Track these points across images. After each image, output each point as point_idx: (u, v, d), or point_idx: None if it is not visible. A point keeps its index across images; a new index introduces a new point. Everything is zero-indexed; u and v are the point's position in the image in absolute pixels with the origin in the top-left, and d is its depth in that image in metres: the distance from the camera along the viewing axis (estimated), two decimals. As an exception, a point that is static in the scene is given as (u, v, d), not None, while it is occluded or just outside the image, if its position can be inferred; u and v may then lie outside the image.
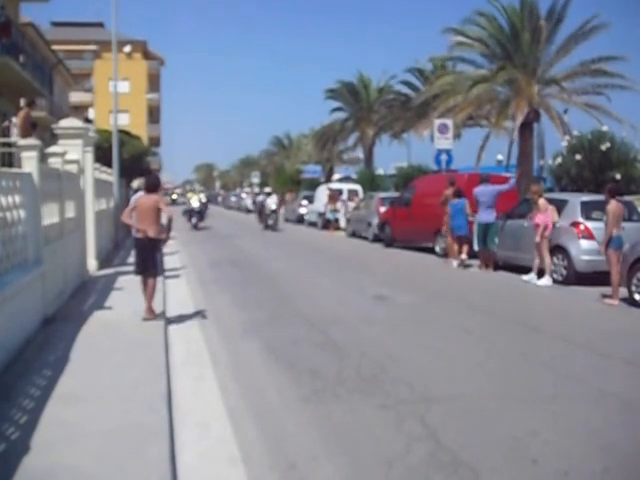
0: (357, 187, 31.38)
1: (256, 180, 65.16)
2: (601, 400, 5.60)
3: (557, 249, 13.01)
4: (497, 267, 14.78)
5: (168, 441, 4.36)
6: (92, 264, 12.93)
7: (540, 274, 13.01)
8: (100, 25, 64.26)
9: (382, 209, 22.45)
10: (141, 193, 9.41)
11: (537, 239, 12.90)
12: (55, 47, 39.80)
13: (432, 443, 4.56)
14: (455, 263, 15.70)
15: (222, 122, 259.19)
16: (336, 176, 45.88)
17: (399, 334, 8.22)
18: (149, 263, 8.28)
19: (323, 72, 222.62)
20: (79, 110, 52.66)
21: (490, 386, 5.98)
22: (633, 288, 10.47)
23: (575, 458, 4.36)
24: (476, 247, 15.08)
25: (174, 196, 53.31)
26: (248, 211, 49.22)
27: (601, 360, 7.05)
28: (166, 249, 18.51)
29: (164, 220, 8.48)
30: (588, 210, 12.83)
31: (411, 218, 19.30)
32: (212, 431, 4.88)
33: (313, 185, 41.66)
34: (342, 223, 28.09)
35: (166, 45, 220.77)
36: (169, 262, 15.52)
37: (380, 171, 43.82)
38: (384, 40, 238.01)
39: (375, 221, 22.78)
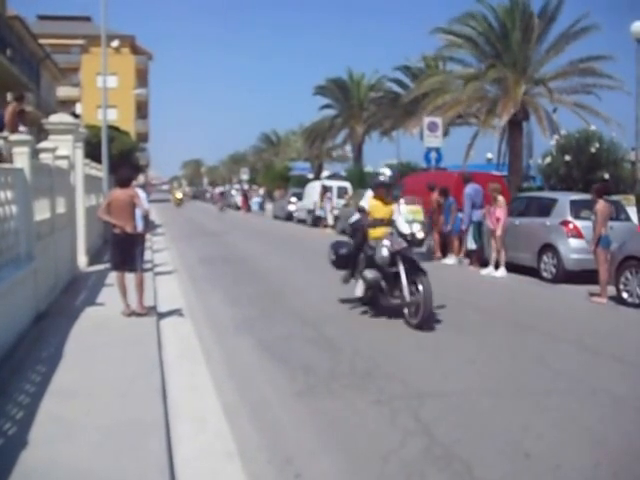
0: (347, 184, 31.41)
1: (245, 176, 65.04)
2: (592, 396, 5.67)
3: (546, 247, 13.12)
4: (484, 265, 14.84)
5: (165, 436, 4.39)
6: (82, 260, 12.88)
7: (496, 266, 13.87)
8: (87, 19, 63.72)
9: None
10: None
11: (499, 232, 13.68)
12: (42, 41, 39.45)
13: (426, 438, 4.61)
14: (448, 261, 15.82)
15: (210, 118, 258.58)
16: (325, 173, 45.92)
17: (390, 331, 8.26)
18: (127, 259, 8.09)
19: (312, 69, 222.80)
20: (66, 105, 52.30)
21: (482, 382, 6.04)
22: (621, 286, 10.57)
23: (567, 452, 4.43)
24: (473, 246, 15.17)
25: (179, 195, 54.00)
26: (237, 208, 49.15)
27: (591, 357, 7.13)
28: (156, 245, 18.55)
29: (139, 215, 8.37)
30: (577, 209, 12.93)
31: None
32: (208, 426, 4.91)
33: (302, 182, 41.64)
34: (329, 220, 28.05)
35: (155, 40, 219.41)
36: (156, 257, 15.48)
37: (369, 168, 43.83)
38: (374, 38, 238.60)
39: (365, 218, 22.71)
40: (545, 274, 13.12)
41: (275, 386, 5.90)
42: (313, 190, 30.96)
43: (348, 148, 46.70)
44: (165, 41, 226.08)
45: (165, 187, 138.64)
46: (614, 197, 13.73)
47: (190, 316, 8.98)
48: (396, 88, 38.20)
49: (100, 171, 19.30)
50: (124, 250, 8.08)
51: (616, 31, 19.14)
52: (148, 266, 12.40)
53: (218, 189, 55.52)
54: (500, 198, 13.99)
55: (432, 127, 21.59)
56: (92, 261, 13.43)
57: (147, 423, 4.54)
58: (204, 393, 5.70)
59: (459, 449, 4.43)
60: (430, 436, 4.64)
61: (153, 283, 11.16)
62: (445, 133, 24.27)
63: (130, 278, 8.18)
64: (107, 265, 12.63)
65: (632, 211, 14.85)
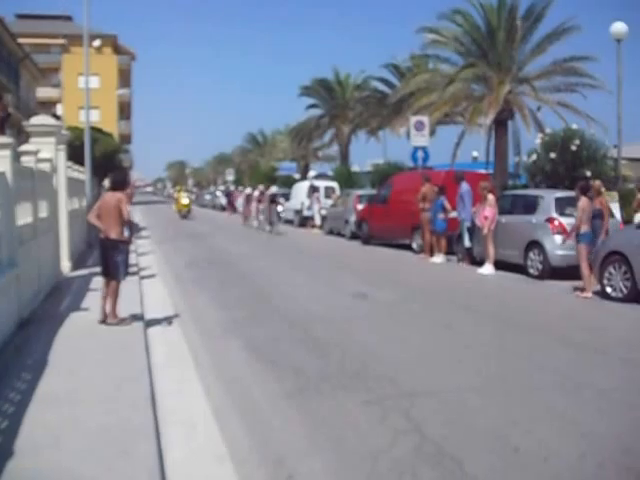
0: (334, 184, 31.39)
1: (230, 177, 64.82)
2: (578, 390, 5.72)
3: (532, 244, 13.20)
4: (473, 262, 14.93)
5: (155, 440, 4.35)
6: (66, 265, 12.74)
7: (484, 263, 14.01)
8: (68, 18, 63.20)
9: (359, 206, 22.48)
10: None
11: (485, 231, 13.87)
12: (21, 40, 38.99)
13: (416, 436, 4.62)
14: (436, 259, 15.85)
15: (195, 119, 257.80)
16: (312, 173, 45.87)
17: (380, 331, 8.27)
18: (109, 265, 7.86)
19: (299, 68, 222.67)
20: (46, 106, 51.88)
21: (471, 379, 6.07)
22: (605, 282, 10.66)
23: (554, 446, 4.48)
24: (468, 244, 15.22)
25: (185, 200, 36.98)
26: (223, 209, 49.00)
27: (576, 351, 7.18)
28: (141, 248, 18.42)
29: (126, 218, 7.97)
30: (562, 206, 13.03)
31: (388, 215, 19.37)
32: (198, 429, 4.88)
33: (289, 182, 41.57)
34: (317, 220, 28.02)
35: (138, 40, 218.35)
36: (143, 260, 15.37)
37: (356, 168, 43.87)
38: (361, 37, 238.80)
39: (352, 218, 22.83)
40: (531, 270, 13.20)
41: (264, 388, 5.88)
42: (300, 190, 30.89)
43: (335, 148, 46.62)
44: (148, 41, 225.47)
45: (149, 189, 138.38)
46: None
47: (178, 319, 8.90)
48: (383, 87, 38.24)
49: (83, 174, 19.12)
50: (106, 256, 7.90)
51: (598, 32, 19.35)
52: (134, 270, 12.33)
53: (254, 190, 32.38)
54: (490, 196, 14.18)
55: (419, 126, 21.60)
56: (76, 266, 13.29)
57: (136, 428, 4.50)
58: (193, 396, 5.67)
59: (449, 446, 4.45)
60: (420, 434, 4.65)
61: (139, 287, 11.08)
62: (432, 132, 24.30)
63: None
64: (92, 270, 12.57)
65: (615, 207, 14.98)
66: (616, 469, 4.12)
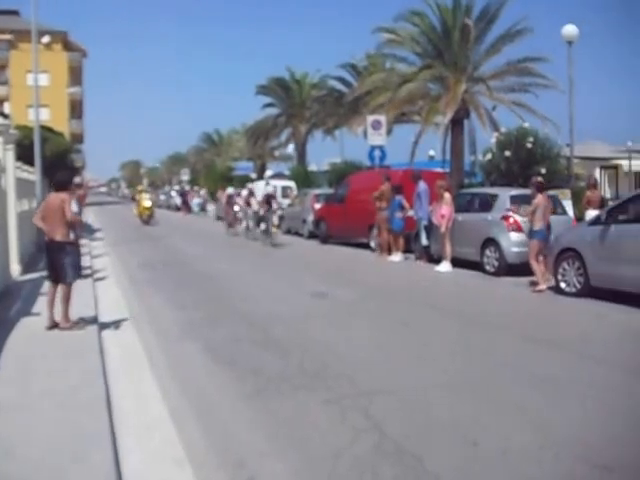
0: (291, 184, 31.26)
1: (186, 177, 64.09)
2: (534, 383, 5.81)
3: (489, 242, 13.38)
4: (431, 260, 15.05)
5: (111, 446, 4.25)
6: (15, 269, 12.36)
7: (442, 261, 14.16)
8: (15, 13, 61.33)
9: (317, 206, 22.46)
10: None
11: (442, 229, 14.03)
12: (-37, 35, 37.73)
13: (377, 434, 4.63)
14: (394, 258, 15.95)
15: (150, 118, 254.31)
16: (268, 172, 45.68)
17: (340, 330, 8.26)
18: (56, 268, 7.60)
19: (256, 67, 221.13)
20: (-7, 104, 50.40)
21: (429, 376, 6.11)
22: (559, 277, 10.87)
23: (512, 439, 4.54)
24: (425, 242, 15.33)
25: (147, 203, 32.11)
26: (177, 209, 48.40)
27: (532, 346, 7.29)
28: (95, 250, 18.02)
29: (69, 219, 7.62)
30: (517, 204, 13.21)
31: (346, 214, 19.42)
32: (155, 433, 4.79)
33: (245, 182, 41.27)
34: (275, 220, 27.81)
35: (89, 37, 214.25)
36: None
37: (313, 167, 43.82)
38: (320, 36, 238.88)
39: (310, 218, 22.79)
40: (488, 267, 13.38)
41: (223, 390, 5.81)
42: (257, 190, 30.64)
43: (291, 147, 46.47)
44: (101, 37, 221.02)
45: (103, 189, 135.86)
46: (551, 192, 14.06)
47: (133, 322, 8.72)
48: (340, 86, 38.30)
49: (33, 174, 18.58)
50: (52, 259, 7.63)
51: (552, 33, 19.81)
52: (87, 272, 12.05)
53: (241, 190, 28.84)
54: (447, 195, 14.34)
55: (376, 125, 21.70)
56: (26, 269, 12.92)
57: (92, 434, 4.39)
58: (150, 400, 5.56)
59: (409, 443, 4.47)
60: (380, 432, 4.67)
61: (93, 289, 10.82)
62: (389, 131, 24.44)
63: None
64: (42, 273, 12.23)
65: (568, 205, 15.31)
66: (573, 460, 4.19)
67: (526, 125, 19.15)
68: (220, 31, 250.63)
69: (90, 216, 32.27)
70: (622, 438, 4.60)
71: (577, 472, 4.02)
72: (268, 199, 21.11)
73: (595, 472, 4.01)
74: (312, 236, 22.42)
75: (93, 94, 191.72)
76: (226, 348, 7.27)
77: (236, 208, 25.97)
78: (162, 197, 62.16)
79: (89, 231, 24.67)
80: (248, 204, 24.18)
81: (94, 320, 8.21)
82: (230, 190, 30.00)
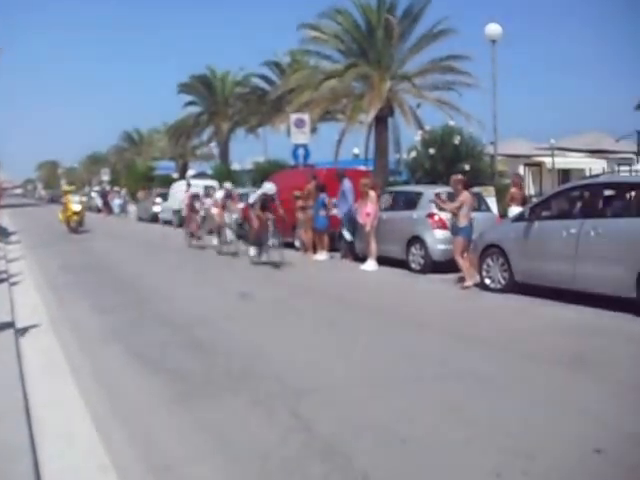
0: (214, 183, 30.80)
1: (106, 177, 62.10)
2: (459, 378, 5.93)
3: (414, 239, 13.56)
4: (357, 259, 15.11)
5: (32, 456, 4.08)
6: None
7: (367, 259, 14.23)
8: None
9: (240, 205, 22.15)
10: None
11: (367, 228, 14.08)
12: None
13: (305, 434, 4.64)
14: (319, 257, 15.97)
15: (67, 117, 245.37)
16: (190, 172, 44.90)
17: (265, 330, 8.21)
18: None
19: (178, 66, 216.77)
20: None
21: (357, 374, 6.14)
22: (484, 274, 11.09)
23: (440, 433, 4.63)
24: (349, 238, 15.40)
25: (76, 207, 26.17)
26: (98, 210, 46.92)
27: (457, 341, 7.46)
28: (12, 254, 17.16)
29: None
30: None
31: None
32: (78, 441, 4.62)
33: (167, 182, 40.43)
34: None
35: (2, 33, 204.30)
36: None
37: (236, 166, 43.40)
38: (241, 33, 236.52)
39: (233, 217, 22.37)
40: (414, 265, 13.57)
41: (148, 394, 5.68)
42: (179, 190, 30.03)
43: (214, 145, 45.86)
44: (16, 34, 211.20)
45: (18, 191, 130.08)
46: (475, 189, 14.39)
47: (52, 327, 8.35)
48: (263, 84, 38.12)
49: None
50: None
51: (477, 32, 20.37)
52: (3, 276, 11.46)
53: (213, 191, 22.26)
54: (371, 193, 14.41)
55: (299, 123, 21.68)
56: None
57: (10, 445, 4.19)
58: (72, 406, 5.36)
59: (338, 441, 4.49)
60: (309, 431, 4.67)
61: (9, 294, 10.29)
62: (313, 129, 24.48)
63: None
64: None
65: (492, 202, 15.68)
66: (497, 451, 4.30)
67: (452, 123, 19.47)
68: (142, 29, 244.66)
69: (5, 219, 30.78)
70: (544, 427, 4.75)
71: (502, 462, 4.12)
72: (264, 203, 15.44)
73: (519, 461, 4.12)
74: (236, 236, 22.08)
75: (7, 93, 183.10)
76: (150, 352, 7.08)
77: (202, 213, 20.13)
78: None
79: (4, 234, 23.49)
80: (224, 208, 18.48)
81: (10, 325, 7.78)
82: (195, 190, 22.53)
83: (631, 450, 4.37)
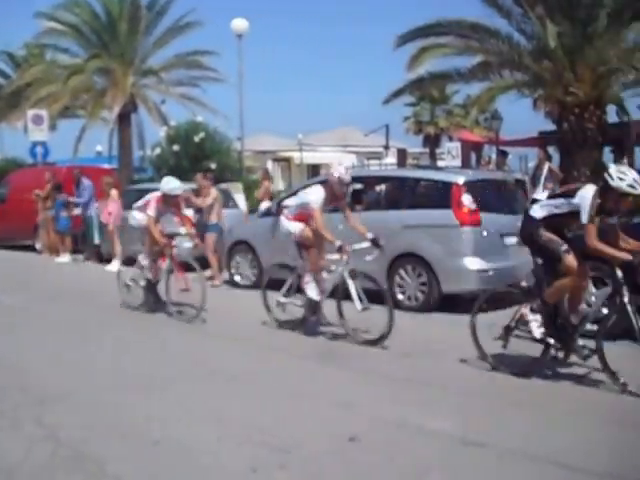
0: None
1: None
2: (211, 376, 6.01)
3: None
4: (102, 260, 14.54)
5: None
6: None
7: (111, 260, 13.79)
8: None
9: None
10: None
11: (110, 227, 13.73)
12: None
13: (52, 443, 4.48)
14: (62, 259, 15.16)
15: None
16: None
17: (7, 337, 7.71)
18: None
19: None
20: None
21: (104, 379, 6.00)
22: (233, 270, 11.21)
23: (192, 433, 4.64)
24: (97, 240, 14.78)
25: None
26: None
27: (210, 339, 7.58)
28: None
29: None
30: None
31: (8, 215, 17.74)
32: None
33: None
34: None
35: None
36: None
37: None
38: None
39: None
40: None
41: None
42: None
43: None
44: None
45: None
46: (223, 185, 14.53)
47: None
48: (-4, 78, 34.53)
49: None
50: None
51: (226, 27, 20.30)
52: None
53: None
54: (113, 192, 14.01)
55: (36, 120, 20.56)
56: None
57: None
58: None
59: (88, 448, 4.40)
60: (56, 440, 4.52)
61: None
62: (53, 126, 23.07)
63: None
64: None
65: (240, 198, 15.88)
66: (253, 447, 4.38)
67: (199, 119, 19.41)
68: None
69: None
70: (296, 419, 4.93)
71: (257, 458, 4.19)
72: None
73: (274, 455, 4.22)
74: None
75: None
76: None
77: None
78: None
79: None
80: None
81: None
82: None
83: (383, 436, 4.56)
